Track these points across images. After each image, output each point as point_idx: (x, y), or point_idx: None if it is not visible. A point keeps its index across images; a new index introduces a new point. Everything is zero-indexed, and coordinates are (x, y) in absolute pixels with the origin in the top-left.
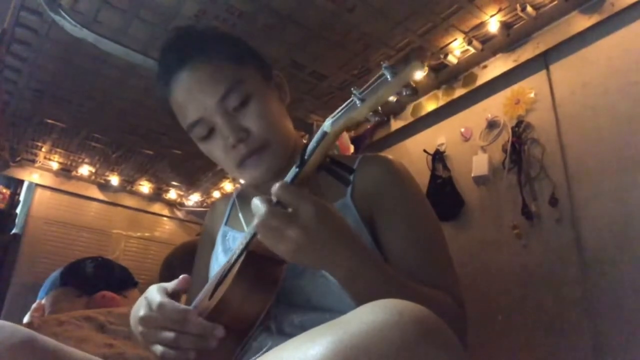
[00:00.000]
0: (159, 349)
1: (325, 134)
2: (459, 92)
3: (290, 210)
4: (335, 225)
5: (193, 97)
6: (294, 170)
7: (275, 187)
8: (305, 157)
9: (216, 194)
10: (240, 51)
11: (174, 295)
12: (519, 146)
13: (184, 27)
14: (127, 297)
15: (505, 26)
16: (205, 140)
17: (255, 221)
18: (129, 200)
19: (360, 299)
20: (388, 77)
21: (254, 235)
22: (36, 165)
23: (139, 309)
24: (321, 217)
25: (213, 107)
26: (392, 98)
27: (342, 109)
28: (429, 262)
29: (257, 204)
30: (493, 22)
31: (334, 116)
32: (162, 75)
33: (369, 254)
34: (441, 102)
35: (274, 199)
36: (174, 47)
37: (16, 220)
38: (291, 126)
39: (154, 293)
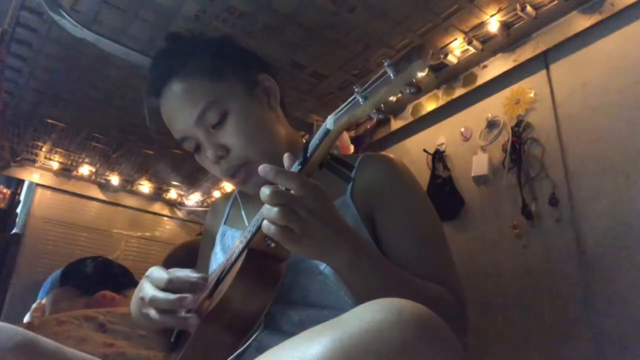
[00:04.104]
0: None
1: (328, 131)
2: (459, 92)
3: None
4: (338, 215)
5: (175, 115)
6: (296, 167)
7: (282, 175)
8: (308, 154)
9: (216, 194)
10: (222, 64)
11: None
12: (519, 146)
13: (171, 36)
14: (127, 297)
15: (505, 26)
16: (195, 154)
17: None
18: (129, 200)
19: (359, 292)
20: (391, 75)
21: (259, 228)
22: (36, 165)
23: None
24: (328, 206)
25: (192, 125)
26: (393, 98)
27: (344, 107)
28: (429, 258)
29: (265, 190)
30: (493, 22)
31: (337, 113)
32: (151, 89)
33: (369, 247)
34: (441, 102)
35: (281, 187)
36: (158, 62)
37: (16, 220)
38: (282, 130)
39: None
